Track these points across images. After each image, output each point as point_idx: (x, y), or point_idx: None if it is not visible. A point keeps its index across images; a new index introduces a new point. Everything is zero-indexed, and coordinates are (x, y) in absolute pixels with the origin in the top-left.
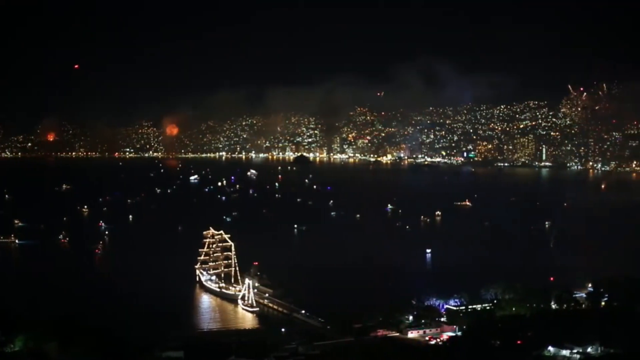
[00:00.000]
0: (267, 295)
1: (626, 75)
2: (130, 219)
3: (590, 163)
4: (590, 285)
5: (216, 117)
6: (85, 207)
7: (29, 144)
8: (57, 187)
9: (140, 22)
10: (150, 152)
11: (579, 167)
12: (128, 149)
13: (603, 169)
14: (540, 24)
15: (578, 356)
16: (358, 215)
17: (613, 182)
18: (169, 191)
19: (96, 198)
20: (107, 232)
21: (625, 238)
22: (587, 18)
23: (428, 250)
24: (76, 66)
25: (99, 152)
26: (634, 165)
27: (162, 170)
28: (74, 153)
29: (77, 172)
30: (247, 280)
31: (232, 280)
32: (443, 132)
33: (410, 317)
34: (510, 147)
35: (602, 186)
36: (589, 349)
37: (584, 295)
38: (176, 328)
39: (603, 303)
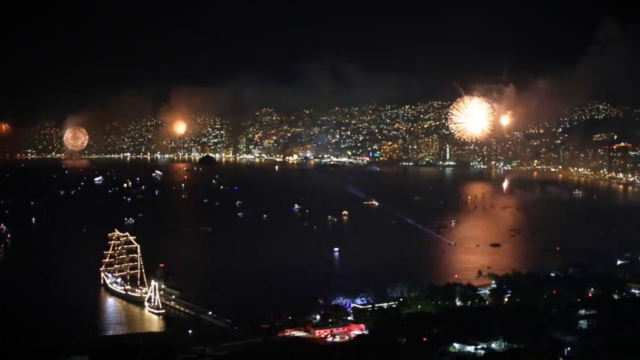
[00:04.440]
0: (173, 297)
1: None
2: (34, 221)
3: (493, 162)
4: (493, 282)
5: (120, 117)
6: None
7: None
8: None
9: (40, 20)
10: (53, 153)
11: (481, 166)
12: (30, 150)
13: (505, 168)
14: (443, 24)
15: (482, 352)
16: (265, 216)
17: (515, 180)
18: (72, 192)
19: None
20: (8, 235)
21: (526, 235)
22: (490, 19)
23: (335, 249)
24: None
25: None
26: (534, 164)
27: (66, 172)
28: None
29: None
30: (153, 282)
31: (138, 282)
32: (349, 132)
33: (318, 317)
34: (415, 146)
35: (504, 185)
36: (493, 345)
37: (487, 292)
38: (81, 332)
39: (506, 299)
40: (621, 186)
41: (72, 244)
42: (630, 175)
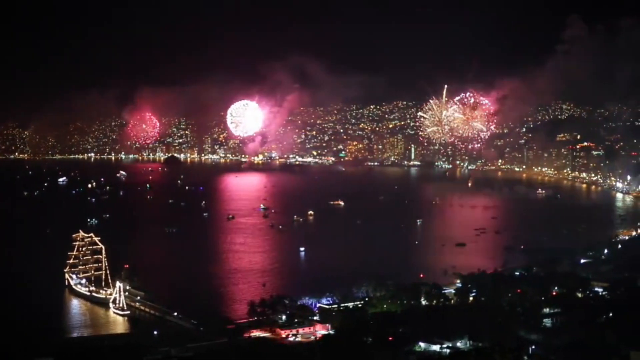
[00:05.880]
0: (138, 298)
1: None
2: None
3: (457, 162)
4: (458, 281)
5: (84, 117)
6: None
7: None
8: None
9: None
10: (16, 153)
11: (446, 165)
12: None
13: (469, 167)
14: (409, 24)
15: (448, 351)
16: (231, 216)
17: (479, 179)
18: (36, 193)
19: None
20: None
21: (490, 234)
22: (454, 19)
23: (302, 249)
24: None
25: None
26: (499, 164)
27: (29, 172)
28: None
29: None
30: (118, 284)
31: (103, 283)
32: (314, 132)
33: (284, 317)
34: (380, 146)
35: (469, 184)
36: (458, 344)
37: (452, 291)
38: (45, 334)
39: (471, 298)
40: (584, 185)
41: (36, 245)
42: (593, 175)
